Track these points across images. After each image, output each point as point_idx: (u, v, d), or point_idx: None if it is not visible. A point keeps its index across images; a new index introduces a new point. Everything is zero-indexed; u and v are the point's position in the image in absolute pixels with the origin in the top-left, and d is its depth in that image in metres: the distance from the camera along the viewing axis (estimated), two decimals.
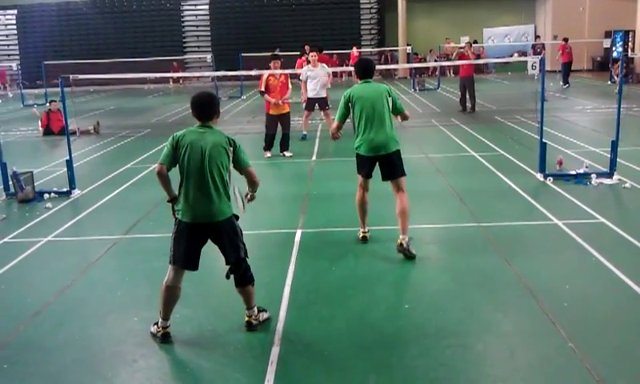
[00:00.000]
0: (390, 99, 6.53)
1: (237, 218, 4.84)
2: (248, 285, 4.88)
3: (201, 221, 4.68)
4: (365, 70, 6.70)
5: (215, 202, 4.65)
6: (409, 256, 6.31)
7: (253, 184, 4.95)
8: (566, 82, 24.64)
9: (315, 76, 13.54)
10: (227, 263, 4.81)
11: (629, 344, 4.55)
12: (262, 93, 11.93)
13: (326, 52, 24.94)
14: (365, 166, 6.68)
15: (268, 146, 12.13)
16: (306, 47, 14.03)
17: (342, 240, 7.11)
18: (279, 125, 12.04)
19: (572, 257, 6.34)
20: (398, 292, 5.68)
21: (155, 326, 4.88)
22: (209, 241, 4.79)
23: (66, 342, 4.88)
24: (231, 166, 4.79)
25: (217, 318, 5.20)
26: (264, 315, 5.06)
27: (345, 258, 6.52)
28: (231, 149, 4.74)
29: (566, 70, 24.94)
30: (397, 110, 6.69)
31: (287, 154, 12.17)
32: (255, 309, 4.97)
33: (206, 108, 4.82)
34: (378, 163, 6.60)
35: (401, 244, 6.36)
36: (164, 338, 4.80)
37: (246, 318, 4.94)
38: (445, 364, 4.37)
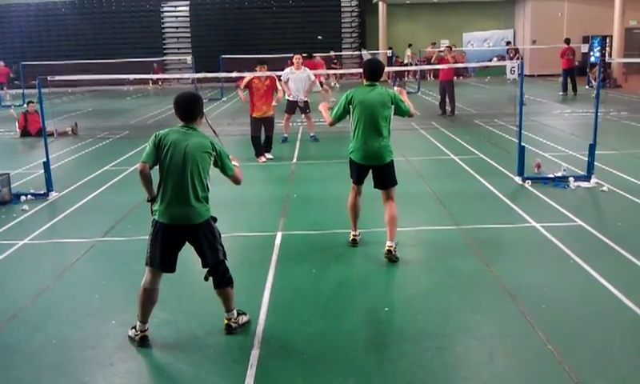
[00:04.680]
0: (392, 107, 6.32)
1: (215, 219, 4.80)
2: (227, 287, 4.83)
3: (178, 222, 4.62)
4: (372, 72, 6.40)
5: (193, 204, 4.60)
6: (394, 261, 6.28)
7: (237, 183, 4.98)
8: (565, 89, 23.81)
9: (296, 79, 13.52)
10: (204, 266, 4.76)
11: (607, 346, 4.59)
12: (240, 88, 11.89)
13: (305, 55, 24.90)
14: (355, 173, 6.59)
15: (258, 150, 11.96)
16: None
17: (322, 243, 7.10)
18: (263, 127, 11.95)
19: (550, 259, 6.39)
20: (378, 295, 5.68)
21: (133, 330, 4.82)
22: (187, 243, 4.75)
23: (43, 346, 4.81)
24: (211, 170, 4.76)
25: (195, 321, 5.16)
26: (243, 318, 5.03)
27: (325, 260, 6.51)
28: (214, 154, 4.69)
29: (567, 77, 23.89)
30: (402, 113, 6.47)
31: (268, 155, 12.12)
32: (234, 312, 4.93)
33: (189, 108, 4.74)
34: (371, 171, 6.51)
35: (389, 250, 6.30)
36: (142, 342, 4.74)
37: (225, 321, 4.91)
38: (424, 367, 4.37)
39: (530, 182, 9.35)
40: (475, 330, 4.90)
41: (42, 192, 9.49)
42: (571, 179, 9.32)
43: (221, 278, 4.80)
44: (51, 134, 14.30)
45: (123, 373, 4.43)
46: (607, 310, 5.17)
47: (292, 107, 13.79)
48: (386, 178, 6.45)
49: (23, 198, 9.28)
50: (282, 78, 13.33)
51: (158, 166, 4.68)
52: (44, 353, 4.71)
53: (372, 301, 5.52)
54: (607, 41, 29.06)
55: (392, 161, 6.46)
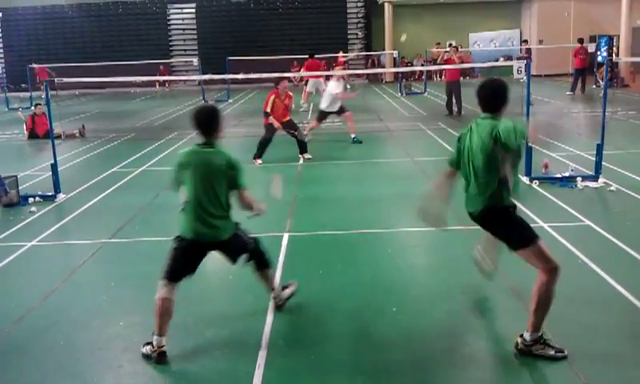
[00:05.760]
0: (494, 147, 4.33)
1: (238, 225, 4.86)
2: (266, 268, 5.05)
3: (203, 240, 4.63)
4: (480, 99, 4.60)
5: (216, 225, 4.61)
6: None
7: (246, 207, 4.80)
8: (573, 89, 23.54)
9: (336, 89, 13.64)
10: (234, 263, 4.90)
11: (616, 347, 4.57)
12: (267, 113, 11.89)
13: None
14: None
15: (260, 152, 11.96)
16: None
17: (329, 244, 7.10)
18: (290, 130, 12.13)
19: (558, 259, 6.34)
20: (386, 295, 5.66)
21: (149, 346, 4.60)
22: None
23: (51, 347, 4.82)
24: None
25: (203, 322, 5.16)
26: (287, 292, 5.27)
27: (332, 261, 6.50)
28: (231, 172, 4.62)
29: (578, 77, 23.56)
30: (512, 144, 4.26)
31: (307, 155, 12.27)
32: (278, 289, 5.17)
33: (206, 124, 4.69)
34: None
35: (516, 343, 4.51)
36: (160, 359, 4.51)
37: (271, 301, 5.19)
38: (432, 367, 4.36)
39: (537, 182, 9.32)
40: (483, 331, 4.89)
41: (50, 194, 9.52)
42: (579, 179, 9.29)
43: (259, 260, 5.00)
44: (59, 136, 14.35)
45: (131, 374, 4.44)
46: (616, 310, 5.15)
47: (325, 117, 13.83)
48: (497, 235, 4.83)
49: (31, 199, 9.32)
50: (331, 91, 13.49)
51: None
52: (52, 354, 4.72)
53: (379, 301, 5.51)
54: (614, 40, 28.98)
55: (491, 213, 4.61)
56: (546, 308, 4.37)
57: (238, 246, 4.81)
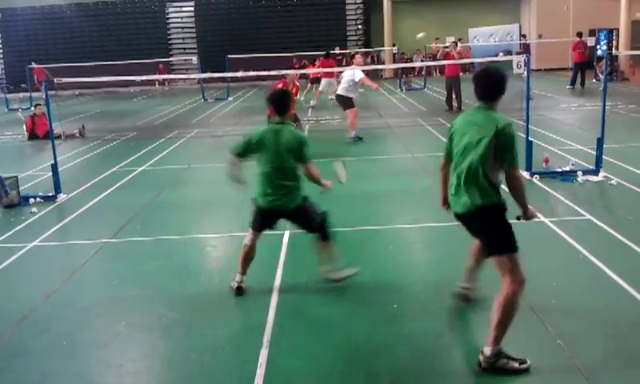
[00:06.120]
0: (490, 144, 4.29)
1: (306, 198, 5.45)
2: (328, 240, 5.49)
3: (274, 208, 5.35)
4: (477, 87, 4.51)
5: (285, 195, 5.29)
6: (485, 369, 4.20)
7: (312, 180, 5.43)
8: (573, 83, 23.42)
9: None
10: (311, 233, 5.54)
11: (617, 340, 4.56)
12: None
13: (311, 53, 24.84)
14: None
15: None
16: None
17: None
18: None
19: (559, 254, 6.36)
20: (386, 293, 5.65)
21: (234, 282, 5.54)
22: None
23: (52, 347, 4.83)
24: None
25: (205, 320, 5.16)
26: (345, 272, 5.65)
27: None
28: (299, 147, 5.26)
29: (577, 71, 23.44)
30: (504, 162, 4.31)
31: None
32: (334, 267, 5.59)
33: (279, 105, 5.40)
34: None
35: (479, 361, 4.23)
36: (238, 291, 5.50)
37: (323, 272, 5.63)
38: (434, 365, 4.36)
39: (537, 176, 9.32)
40: (484, 327, 4.86)
41: (51, 194, 9.52)
42: (579, 173, 9.28)
43: (323, 234, 5.49)
44: (59, 137, 14.36)
45: (133, 373, 4.44)
46: (617, 304, 5.14)
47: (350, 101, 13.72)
48: (476, 236, 4.72)
49: (32, 200, 9.32)
50: (356, 79, 13.41)
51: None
52: (53, 355, 4.72)
53: (381, 299, 5.50)
54: (614, 34, 28.96)
55: (485, 209, 4.40)
56: (511, 320, 4.18)
57: (307, 217, 5.44)
